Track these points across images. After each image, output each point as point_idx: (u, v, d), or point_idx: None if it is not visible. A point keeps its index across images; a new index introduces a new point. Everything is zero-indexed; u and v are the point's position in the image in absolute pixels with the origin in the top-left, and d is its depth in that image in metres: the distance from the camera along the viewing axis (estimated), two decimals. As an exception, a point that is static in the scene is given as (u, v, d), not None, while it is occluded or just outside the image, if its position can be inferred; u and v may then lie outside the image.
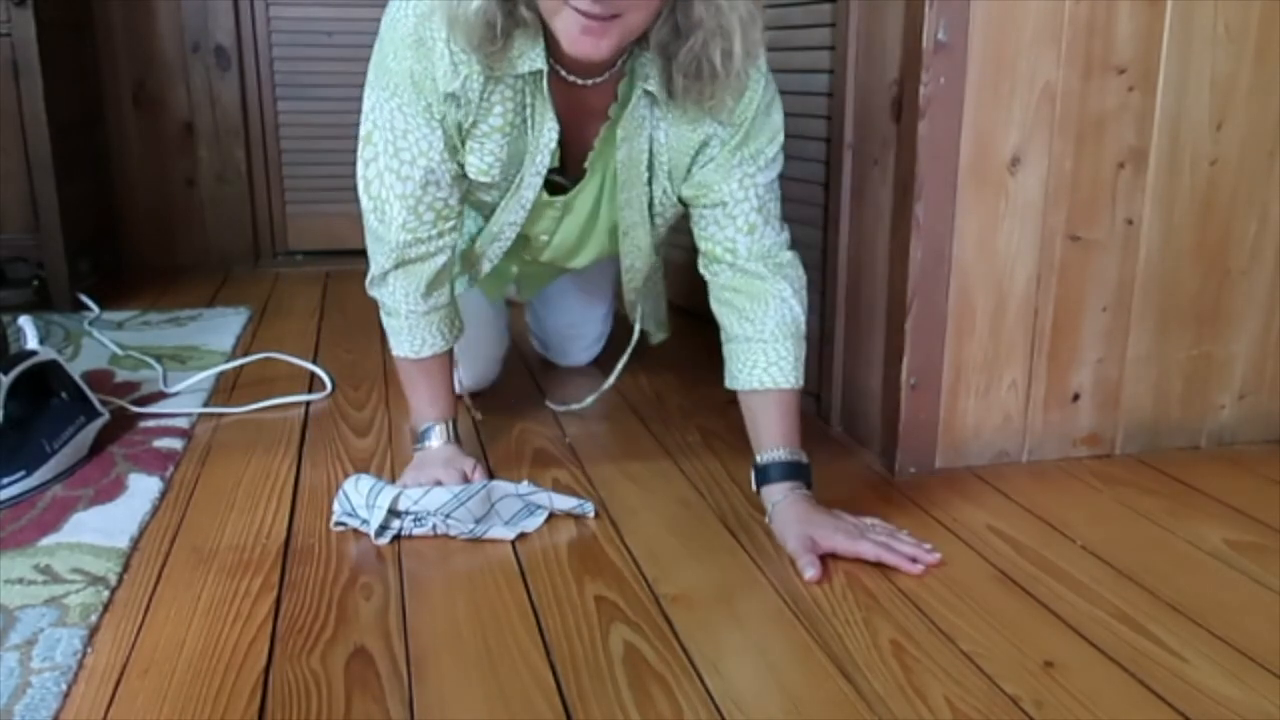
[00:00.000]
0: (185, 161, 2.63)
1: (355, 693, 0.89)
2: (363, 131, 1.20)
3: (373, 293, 1.30)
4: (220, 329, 2.06)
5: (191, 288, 2.46)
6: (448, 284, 1.31)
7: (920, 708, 0.88)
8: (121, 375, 1.75)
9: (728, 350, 1.27)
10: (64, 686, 0.89)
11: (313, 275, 2.57)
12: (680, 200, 1.27)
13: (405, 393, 1.36)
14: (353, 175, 1.23)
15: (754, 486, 1.23)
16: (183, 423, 1.54)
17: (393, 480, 1.26)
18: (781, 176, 1.25)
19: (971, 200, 1.31)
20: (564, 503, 1.23)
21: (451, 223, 1.25)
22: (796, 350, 1.24)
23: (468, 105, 1.16)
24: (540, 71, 1.13)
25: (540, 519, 1.21)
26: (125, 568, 1.11)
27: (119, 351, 1.87)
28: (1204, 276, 1.43)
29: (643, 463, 1.42)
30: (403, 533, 1.17)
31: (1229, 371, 1.48)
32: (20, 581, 1.06)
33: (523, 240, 1.40)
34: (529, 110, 1.17)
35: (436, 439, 1.32)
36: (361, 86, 1.20)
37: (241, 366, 1.80)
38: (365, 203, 1.23)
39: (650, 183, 1.25)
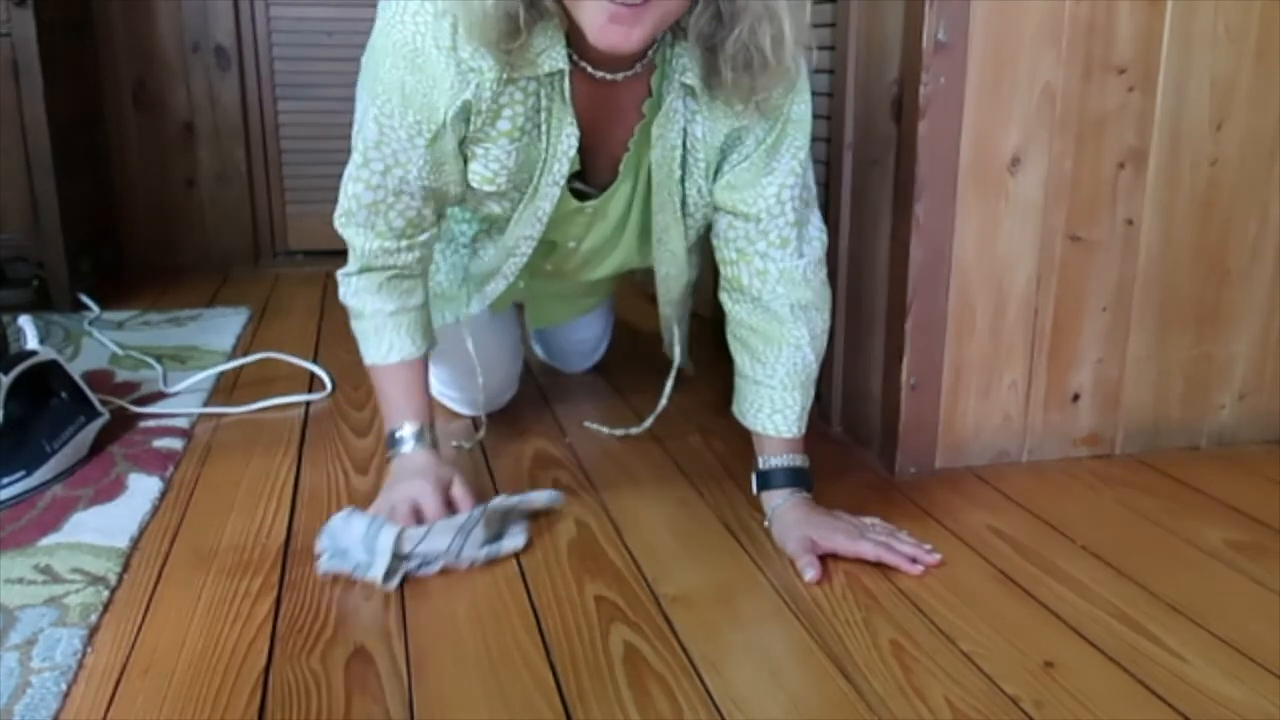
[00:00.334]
0: (185, 161, 2.63)
1: (355, 693, 0.89)
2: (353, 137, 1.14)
3: (341, 297, 1.23)
4: (220, 329, 2.06)
5: (191, 288, 2.46)
6: (419, 286, 1.23)
7: (920, 708, 0.88)
8: (121, 375, 1.75)
9: (738, 383, 1.24)
10: (64, 686, 0.89)
11: (313, 275, 2.57)
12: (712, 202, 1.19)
13: (378, 400, 1.28)
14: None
15: (754, 490, 1.23)
16: (183, 423, 1.54)
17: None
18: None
19: (971, 200, 1.31)
20: (538, 499, 1.23)
21: (425, 234, 1.18)
22: (804, 399, 1.21)
23: (478, 114, 1.07)
24: (561, 72, 1.04)
25: (523, 536, 1.16)
26: (125, 568, 1.11)
27: (119, 351, 1.87)
28: (1204, 276, 1.43)
29: (642, 463, 1.42)
30: (409, 574, 1.08)
31: (1229, 371, 1.48)
32: (20, 581, 1.06)
33: (547, 247, 1.30)
34: (544, 114, 1.08)
35: (409, 444, 1.22)
36: (361, 86, 1.17)
37: (241, 366, 1.80)
38: (340, 204, 1.16)
39: (683, 181, 1.16)
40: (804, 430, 1.22)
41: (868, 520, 1.18)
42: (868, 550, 1.11)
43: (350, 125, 1.14)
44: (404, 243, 1.17)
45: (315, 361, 1.81)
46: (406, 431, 1.22)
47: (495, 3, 0.96)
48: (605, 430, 1.52)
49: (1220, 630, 1.00)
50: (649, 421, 1.47)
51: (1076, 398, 1.43)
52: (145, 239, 2.64)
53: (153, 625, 1.00)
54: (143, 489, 1.29)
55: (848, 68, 1.42)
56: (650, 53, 1.07)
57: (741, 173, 1.14)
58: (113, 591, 1.05)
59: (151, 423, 1.53)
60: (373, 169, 1.11)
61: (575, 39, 1.03)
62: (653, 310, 1.44)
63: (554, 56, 1.03)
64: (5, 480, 1.26)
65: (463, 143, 1.10)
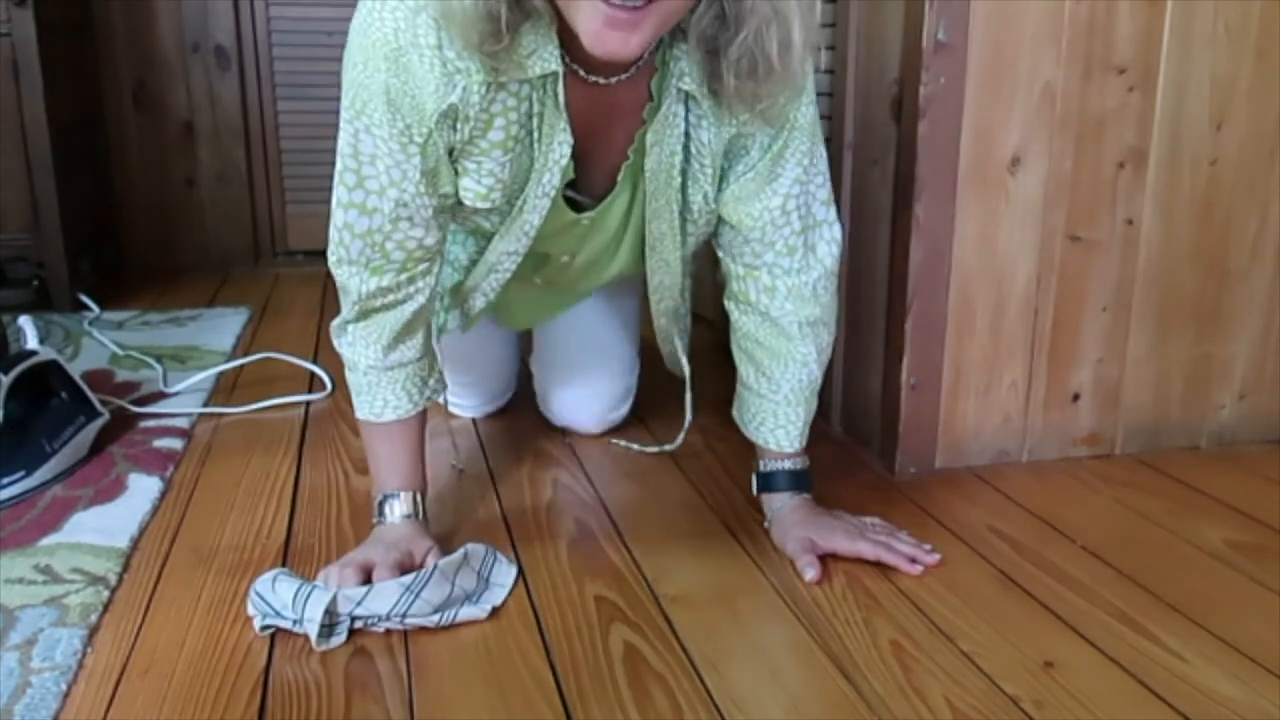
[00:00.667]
0: (185, 161, 2.63)
1: (355, 693, 0.89)
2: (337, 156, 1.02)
3: (336, 346, 1.12)
4: (220, 329, 2.06)
5: (191, 288, 2.46)
6: (419, 334, 1.12)
7: (920, 708, 0.88)
8: (121, 375, 1.75)
9: (741, 392, 1.22)
10: (64, 686, 0.89)
11: (313, 275, 2.57)
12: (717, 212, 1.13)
13: (367, 458, 1.17)
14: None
15: (754, 491, 1.23)
16: (183, 423, 1.54)
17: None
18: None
19: (971, 200, 1.31)
20: (501, 570, 1.10)
21: (426, 265, 1.07)
22: (807, 414, 1.20)
23: (466, 121, 0.97)
24: (554, 74, 0.96)
25: (503, 593, 1.06)
26: (125, 568, 1.10)
27: (119, 351, 1.87)
28: (1204, 276, 1.43)
29: (643, 463, 1.42)
30: (355, 628, 0.99)
31: (1229, 371, 1.48)
32: (20, 581, 1.06)
33: (537, 260, 1.21)
34: (537, 120, 1.00)
35: (397, 513, 1.11)
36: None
37: (241, 366, 1.80)
38: (331, 241, 1.05)
39: (684, 189, 1.08)
40: (805, 444, 1.21)
41: (868, 520, 1.18)
42: (867, 550, 1.11)
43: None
44: (404, 277, 1.06)
45: (315, 361, 1.81)
46: (394, 502, 1.12)
47: (474, 1, 0.87)
48: (636, 447, 1.45)
49: (1220, 630, 1.00)
50: (680, 438, 1.38)
51: (1076, 398, 1.43)
52: (145, 239, 2.64)
53: (153, 625, 1.00)
54: (143, 489, 1.29)
55: (848, 68, 1.42)
56: (649, 54, 1.00)
57: (746, 183, 1.08)
58: (113, 591, 1.05)
59: (151, 423, 1.53)
60: (368, 189, 1.00)
61: (568, 40, 0.94)
62: (646, 309, 1.39)
63: (545, 58, 0.94)
64: (5, 480, 1.26)
65: (451, 154, 1.01)
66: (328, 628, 0.96)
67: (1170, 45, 1.32)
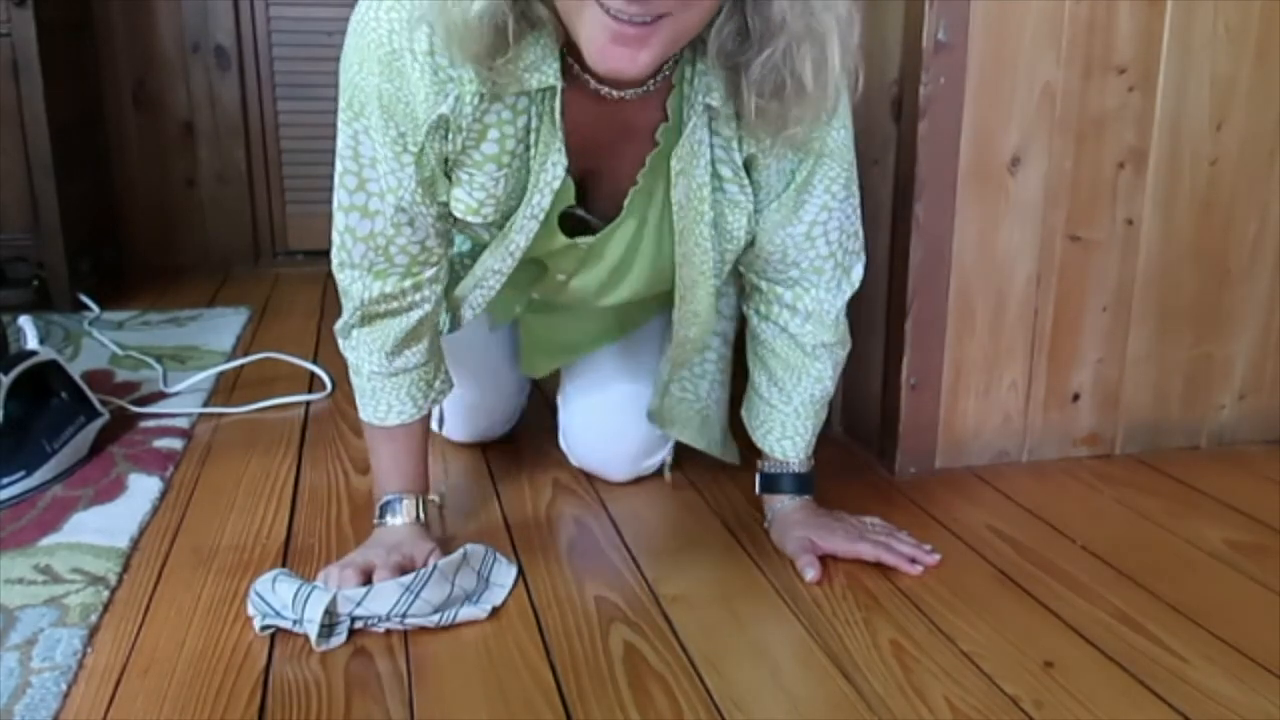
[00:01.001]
0: (185, 161, 2.63)
1: (355, 693, 0.89)
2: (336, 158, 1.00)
3: (341, 348, 1.11)
4: (220, 329, 2.06)
5: (191, 288, 2.46)
6: (425, 340, 1.09)
7: (920, 708, 0.88)
8: (121, 375, 1.75)
9: (750, 397, 1.20)
10: (64, 686, 0.89)
11: (313, 275, 2.56)
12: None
13: (370, 459, 1.17)
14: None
15: (756, 490, 1.22)
16: (183, 423, 1.54)
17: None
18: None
19: (971, 200, 1.31)
20: (500, 570, 1.10)
21: (431, 271, 1.04)
22: (815, 426, 1.18)
23: (459, 132, 0.93)
24: (552, 89, 0.91)
25: (503, 594, 1.06)
26: (125, 568, 1.10)
27: (119, 351, 1.87)
28: (1204, 276, 1.43)
29: (643, 463, 1.42)
30: (355, 628, 0.99)
31: (1229, 371, 1.48)
32: (20, 581, 1.06)
33: (536, 269, 1.13)
34: (534, 136, 0.95)
35: (400, 516, 1.10)
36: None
37: (241, 366, 1.80)
38: (334, 246, 1.03)
39: (715, 223, 1.01)
40: (811, 457, 1.20)
41: (868, 520, 1.18)
42: (866, 551, 1.11)
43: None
44: (409, 282, 1.03)
45: (315, 361, 1.81)
46: (397, 504, 1.11)
47: (478, 13, 0.82)
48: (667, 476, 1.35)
49: (1220, 630, 1.00)
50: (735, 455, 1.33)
51: (1076, 398, 1.43)
52: (145, 239, 2.64)
53: (153, 625, 1.00)
54: (143, 489, 1.29)
55: (848, 68, 1.42)
56: (666, 69, 0.93)
57: (770, 214, 1.03)
58: (113, 591, 1.05)
59: (151, 423, 1.53)
60: (369, 191, 0.98)
61: (574, 50, 0.89)
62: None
63: (545, 71, 0.89)
64: (5, 480, 1.26)
65: (445, 163, 0.98)
66: (328, 628, 0.96)
67: (1170, 45, 1.32)
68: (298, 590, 0.97)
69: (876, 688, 0.91)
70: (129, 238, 2.63)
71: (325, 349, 1.92)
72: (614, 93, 0.93)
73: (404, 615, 0.97)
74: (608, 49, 0.80)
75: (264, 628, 0.98)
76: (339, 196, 1.00)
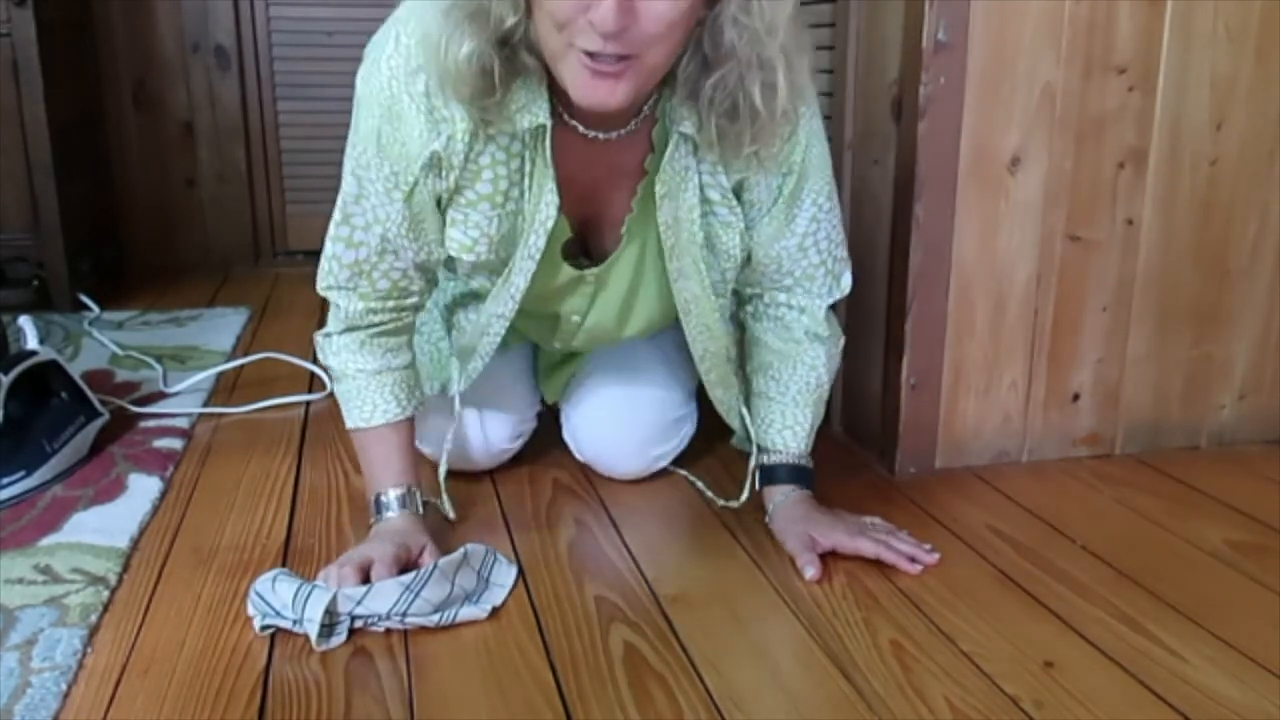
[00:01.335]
0: (185, 161, 2.63)
1: (355, 693, 0.89)
2: None
3: (321, 358, 1.15)
4: (220, 329, 2.06)
5: (191, 288, 2.46)
6: (406, 348, 1.15)
7: (920, 708, 0.88)
8: (121, 375, 1.75)
9: (752, 401, 1.23)
10: (64, 686, 0.89)
11: (312, 275, 2.53)
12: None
13: (360, 464, 1.19)
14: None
15: (757, 486, 1.23)
16: (183, 423, 1.54)
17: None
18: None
19: (971, 200, 1.31)
20: (501, 569, 1.10)
21: (413, 298, 1.12)
22: (814, 416, 1.21)
23: (452, 170, 1.00)
24: (543, 127, 0.98)
25: (503, 594, 1.05)
26: (125, 568, 1.10)
27: (119, 351, 1.87)
28: (1204, 276, 1.43)
29: (643, 463, 1.42)
30: (355, 628, 0.99)
31: (1229, 371, 1.48)
32: (20, 581, 1.06)
33: (549, 323, 1.19)
34: (528, 179, 1.01)
35: (394, 509, 1.11)
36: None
37: (241, 366, 1.80)
38: (321, 267, 1.10)
39: (708, 244, 1.08)
40: (811, 447, 1.22)
41: (868, 520, 1.18)
42: (867, 547, 1.11)
43: (349, 125, 1.07)
44: (390, 304, 1.11)
45: (315, 361, 1.81)
46: (390, 497, 1.12)
47: (467, 55, 0.90)
48: (700, 484, 1.32)
49: (1220, 630, 1.00)
50: (744, 496, 1.23)
51: (1076, 398, 1.43)
52: (145, 239, 2.64)
53: (153, 625, 1.00)
54: (143, 489, 1.29)
55: (848, 68, 1.42)
56: (647, 106, 1.01)
57: (764, 228, 1.10)
58: (113, 591, 1.05)
59: (151, 423, 1.53)
60: (353, 224, 1.05)
61: (561, 96, 0.97)
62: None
63: (534, 112, 0.97)
64: (5, 480, 1.26)
65: (440, 202, 1.04)
66: (328, 627, 0.96)
67: (1170, 45, 1.32)
68: (298, 590, 0.97)
69: (876, 688, 0.91)
70: (129, 238, 2.63)
71: (325, 349, 1.92)
72: (600, 135, 1.01)
73: (404, 614, 0.98)
74: (589, 84, 0.89)
75: (264, 628, 0.98)
76: (333, 221, 1.08)
